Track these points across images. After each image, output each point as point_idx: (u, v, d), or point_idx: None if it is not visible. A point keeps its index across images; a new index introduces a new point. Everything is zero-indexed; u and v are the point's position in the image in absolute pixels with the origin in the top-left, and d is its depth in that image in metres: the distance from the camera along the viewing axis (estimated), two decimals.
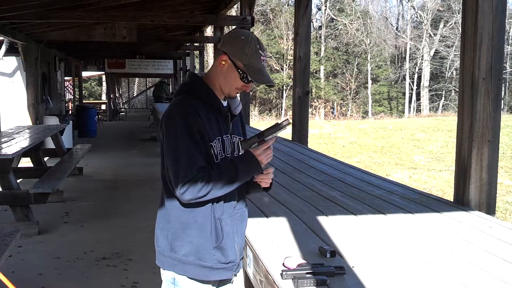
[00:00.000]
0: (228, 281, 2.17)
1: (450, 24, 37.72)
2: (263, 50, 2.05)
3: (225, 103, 2.11)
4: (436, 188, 9.68)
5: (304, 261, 2.20)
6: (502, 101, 36.80)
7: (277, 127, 1.97)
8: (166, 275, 2.12)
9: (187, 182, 1.92)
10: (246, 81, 2.03)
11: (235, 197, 2.10)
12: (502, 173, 10.41)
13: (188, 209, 2.01)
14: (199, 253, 2.03)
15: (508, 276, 2.19)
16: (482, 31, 3.41)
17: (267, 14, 38.25)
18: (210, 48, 30.24)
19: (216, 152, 2.01)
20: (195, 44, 18.16)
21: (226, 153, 2.05)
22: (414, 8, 41.26)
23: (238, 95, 2.18)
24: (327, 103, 37.40)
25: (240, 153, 2.09)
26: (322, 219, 3.05)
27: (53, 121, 11.81)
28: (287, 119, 2.04)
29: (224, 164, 2.01)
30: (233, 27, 11.67)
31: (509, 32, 37.11)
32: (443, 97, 39.63)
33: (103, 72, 23.65)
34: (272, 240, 2.62)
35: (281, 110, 36.89)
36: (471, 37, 3.47)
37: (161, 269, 2.15)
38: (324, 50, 39.51)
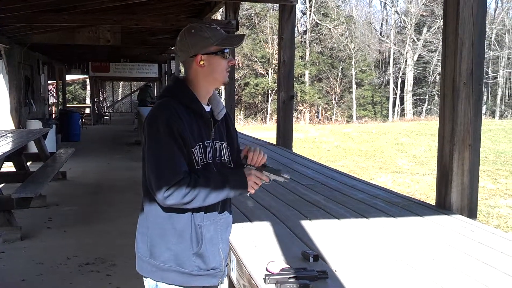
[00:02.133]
0: (213, 287, 2.16)
1: (433, 29, 38.13)
2: (211, 24, 2.10)
3: (208, 108, 2.11)
4: (419, 192, 9.76)
5: (287, 266, 2.21)
6: (485, 105, 37.35)
7: (277, 173, 2.08)
8: (149, 282, 2.11)
9: (172, 186, 1.90)
10: (227, 56, 2.07)
11: (218, 204, 2.08)
12: (485, 177, 10.54)
13: (167, 215, 2.00)
14: (179, 259, 2.02)
15: (489, 279, 2.22)
16: (463, 37, 3.46)
17: (252, 19, 38.31)
18: None
19: (197, 158, 2.00)
20: None
21: (208, 159, 2.04)
22: (397, 13, 41.68)
23: (222, 99, 2.19)
24: (312, 107, 37.54)
25: (223, 160, 2.11)
26: (305, 223, 3.07)
27: (36, 125, 11.70)
28: (289, 178, 2.13)
29: (213, 174, 2.02)
30: None
31: (491, 38, 37.67)
32: (426, 102, 40.02)
33: (87, 76, 23.50)
34: (255, 245, 2.63)
35: (267, 114, 36.94)
36: (452, 43, 3.51)
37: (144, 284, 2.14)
38: (309, 55, 39.68)
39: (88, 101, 32.97)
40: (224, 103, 2.22)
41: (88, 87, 33.32)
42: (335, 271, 2.26)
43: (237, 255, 2.51)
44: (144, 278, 2.13)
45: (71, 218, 6.67)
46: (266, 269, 2.20)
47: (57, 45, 13.72)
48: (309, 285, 2.05)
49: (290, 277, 2.09)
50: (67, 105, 22.46)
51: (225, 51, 2.06)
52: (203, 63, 2.05)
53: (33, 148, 9.81)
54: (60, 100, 21.59)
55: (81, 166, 10.57)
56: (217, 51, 2.05)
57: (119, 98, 37.39)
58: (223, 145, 2.15)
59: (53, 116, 17.64)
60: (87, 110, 25.10)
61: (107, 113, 26.90)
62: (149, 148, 1.97)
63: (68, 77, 23.86)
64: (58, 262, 4.99)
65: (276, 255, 2.47)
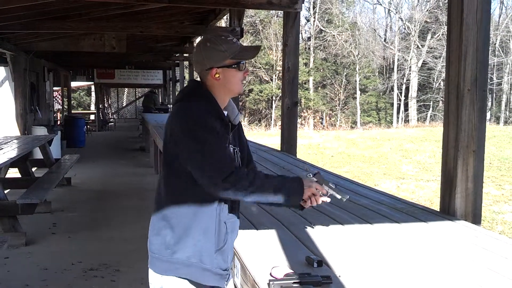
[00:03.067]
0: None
1: (438, 36, 38.14)
2: (227, 35, 2.10)
3: (225, 113, 2.13)
4: (423, 198, 9.74)
5: (291, 271, 2.21)
6: (490, 111, 37.28)
7: (336, 190, 2.12)
8: (155, 285, 2.11)
9: (231, 175, 1.91)
10: (243, 68, 2.09)
11: (234, 204, 2.13)
12: (489, 183, 10.50)
13: (193, 212, 2.02)
14: (202, 255, 2.04)
15: (493, 285, 2.22)
16: (467, 43, 3.46)
17: (256, 25, 38.42)
18: None
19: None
20: (185, 54, 18.20)
21: None
22: (402, 20, 41.69)
23: (235, 106, 2.22)
24: (316, 114, 37.55)
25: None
26: (310, 229, 3.07)
27: (41, 131, 11.76)
28: (347, 198, 2.18)
29: (271, 175, 2.05)
30: None
31: (495, 44, 37.64)
32: (431, 108, 39.97)
33: (92, 82, 23.61)
34: (260, 251, 2.63)
35: (271, 120, 36.97)
36: (456, 49, 3.52)
37: (149, 279, 2.14)
38: (313, 61, 39.74)
39: (93, 107, 33.09)
40: (237, 109, 2.24)
41: (93, 94, 33.45)
42: (339, 276, 2.26)
43: (241, 260, 2.51)
44: (150, 280, 2.13)
45: (76, 224, 6.69)
46: (270, 274, 2.20)
47: (63, 52, 13.81)
48: None
49: (294, 282, 2.08)
50: (72, 112, 22.55)
51: (241, 63, 2.07)
52: (218, 76, 2.06)
53: (38, 154, 9.86)
54: (65, 106, 21.68)
55: (86, 172, 10.60)
56: (232, 64, 2.06)
57: (124, 104, 37.51)
58: (236, 150, 2.17)
59: (58, 123, 17.71)
60: (92, 117, 25.21)
61: (112, 120, 27.01)
62: (193, 147, 1.95)
63: (73, 84, 23.98)
64: (62, 267, 5.01)
65: (280, 260, 2.47)
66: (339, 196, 2.12)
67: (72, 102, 24.82)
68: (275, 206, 2.19)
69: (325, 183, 2.10)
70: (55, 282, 4.65)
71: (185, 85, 2.01)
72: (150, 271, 2.13)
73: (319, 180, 2.09)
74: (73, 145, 15.10)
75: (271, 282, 2.10)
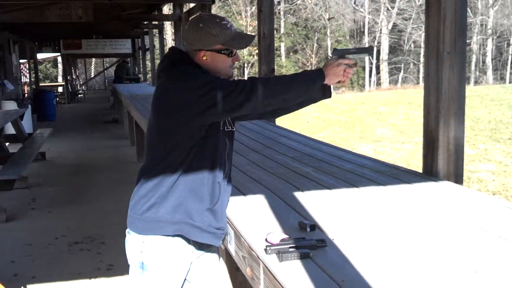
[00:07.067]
0: (212, 248, 2.24)
1: None
2: (222, 19, 2.05)
3: None
4: (400, 160, 9.92)
5: (287, 236, 2.25)
6: None
7: (356, 53, 2.09)
8: (134, 261, 2.10)
9: (247, 81, 1.95)
10: (233, 54, 2.06)
11: (225, 167, 2.15)
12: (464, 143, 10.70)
13: (183, 172, 2.01)
14: (190, 213, 2.03)
15: (480, 241, 2.30)
16: (445, 7, 3.48)
17: None
18: (169, 26, 29.76)
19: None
20: (154, 22, 17.83)
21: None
22: None
23: None
24: None
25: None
26: (298, 195, 3.11)
27: (11, 105, 11.49)
28: (371, 46, 2.19)
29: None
30: (193, 4, 11.51)
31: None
32: (402, 70, 40.33)
33: (59, 54, 23.02)
34: (252, 217, 2.66)
35: None
36: (435, 12, 3.53)
37: (127, 240, 2.12)
38: (284, 26, 39.46)
39: (60, 79, 32.33)
40: None
41: (59, 65, 32.66)
42: (333, 239, 2.31)
43: (235, 227, 2.54)
44: (129, 256, 2.12)
45: (55, 198, 6.63)
46: (266, 240, 2.23)
47: (27, 23, 13.36)
48: (310, 254, 2.09)
49: (290, 247, 2.12)
50: (39, 84, 22.03)
51: (232, 50, 2.05)
52: (206, 59, 2.03)
53: (9, 129, 9.65)
54: (33, 79, 21.15)
55: (59, 146, 10.44)
56: (222, 49, 2.02)
57: (92, 75, 36.77)
58: (230, 130, 2.23)
59: (26, 96, 17.30)
60: (60, 89, 24.66)
61: (80, 91, 26.48)
62: (211, 86, 1.93)
63: (40, 56, 23.33)
64: (46, 242, 4.98)
65: (274, 226, 2.50)
66: (366, 56, 2.17)
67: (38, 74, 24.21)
68: (299, 105, 2.31)
69: (345, 53, 2.09)
70: (41, 257, 4.63)
71: (164, 53, 1.94)
72: (129, 232, 2.10)
73: (340, 54, 2.08)
74: (43, 118, 14.80)
75: (268, 248, 2.13)
